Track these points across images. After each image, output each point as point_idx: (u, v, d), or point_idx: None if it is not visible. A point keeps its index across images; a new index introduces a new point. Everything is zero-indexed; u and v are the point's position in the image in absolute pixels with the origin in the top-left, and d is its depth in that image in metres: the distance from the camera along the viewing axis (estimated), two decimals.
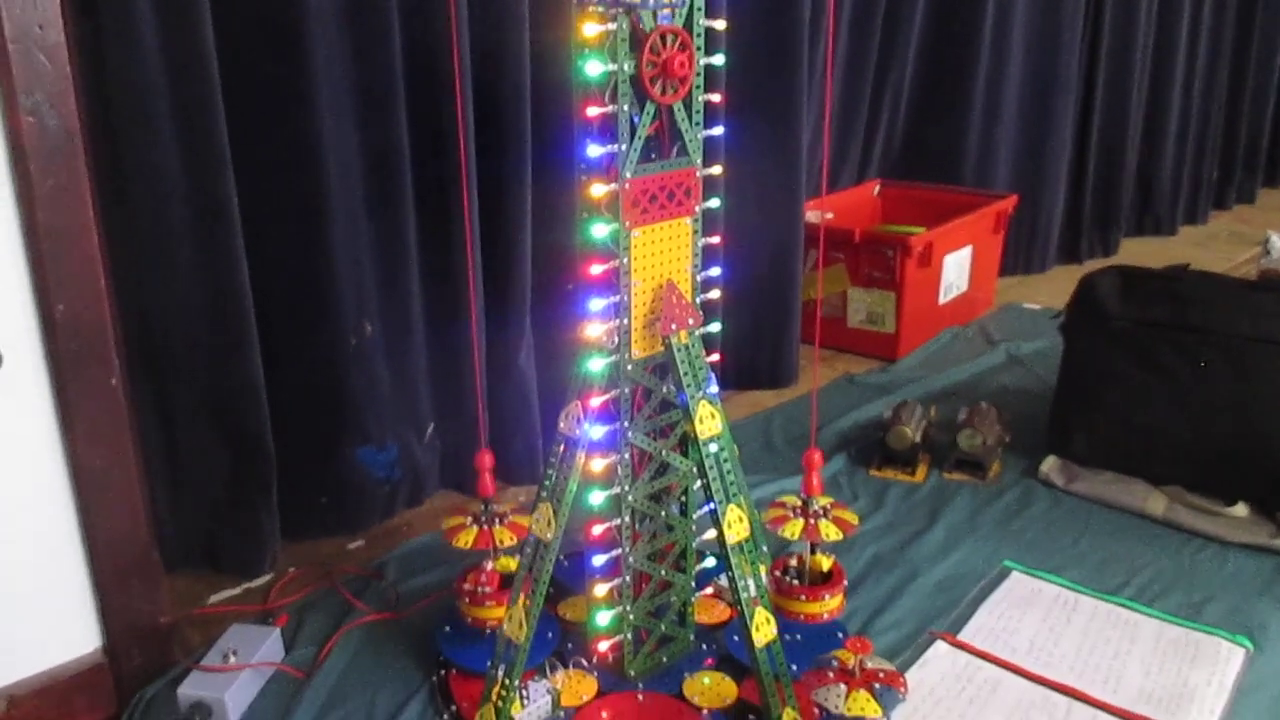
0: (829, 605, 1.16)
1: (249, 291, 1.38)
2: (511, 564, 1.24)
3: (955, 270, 2.40)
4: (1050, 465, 1.73)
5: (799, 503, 1.17)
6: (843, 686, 1.03)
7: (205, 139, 1.30)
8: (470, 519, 1.22)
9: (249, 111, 1.36)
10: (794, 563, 1.19)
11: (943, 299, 2.39)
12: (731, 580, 1.09)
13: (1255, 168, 3.91)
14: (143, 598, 1.22)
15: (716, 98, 1.09)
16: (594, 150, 1.02)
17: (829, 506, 1.17)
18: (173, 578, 1.42)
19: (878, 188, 2.70)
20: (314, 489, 1.56)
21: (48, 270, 1.08)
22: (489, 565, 1.22)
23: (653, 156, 1.06)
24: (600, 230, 1.04)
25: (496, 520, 1.21)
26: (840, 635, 1.28)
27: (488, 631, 1.20)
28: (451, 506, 1.68)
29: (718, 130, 1.11)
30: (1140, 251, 3.24)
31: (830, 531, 1.14)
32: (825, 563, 1.19)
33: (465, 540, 1.19)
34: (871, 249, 2.25)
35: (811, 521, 1.14)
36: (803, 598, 1.15)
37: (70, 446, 1.15)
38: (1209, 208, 3.68)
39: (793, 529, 1.14)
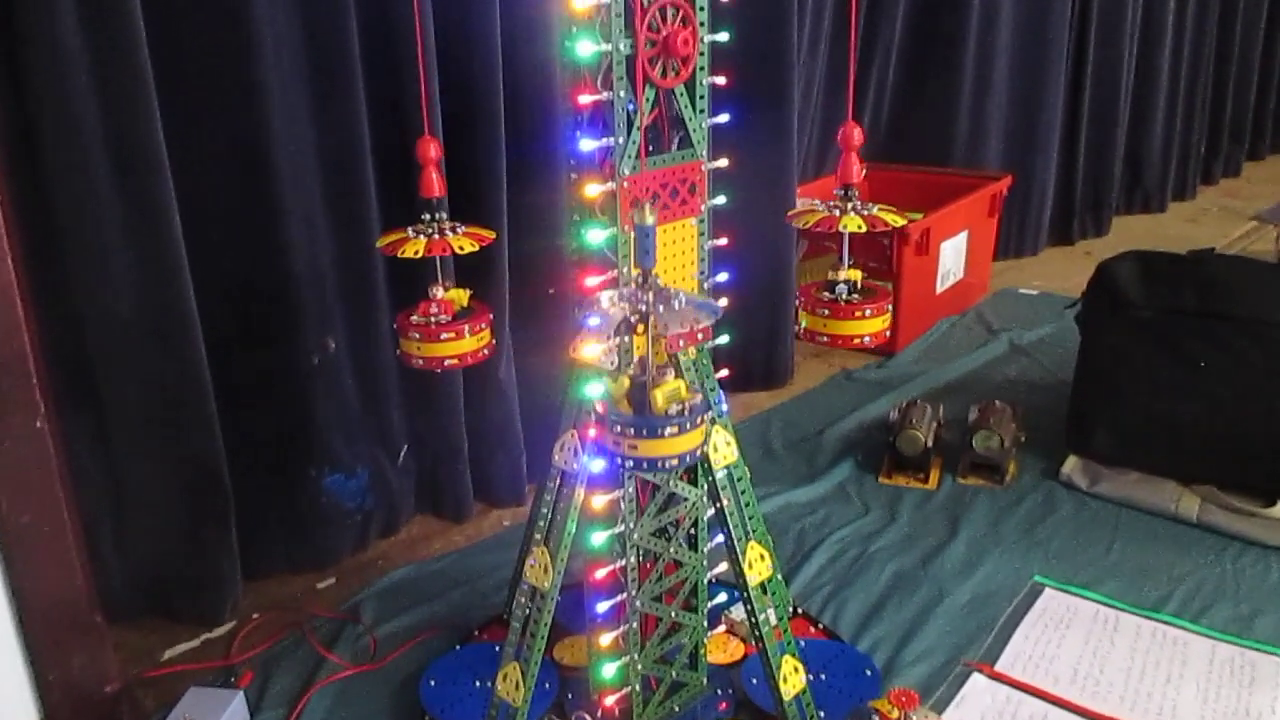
0: (873, 326, 1.06)
1: (194, 307, 1.23)
2: (463, 297, 1.03)
3: (952, 256, 2.28)
4: (1072, 466, 1.61)
5: (837, 198, 1.05)
6: None
7: (135, 134, 1.15)
8: (411, 230, 1.00)
9: (185, 101, 1.21)
10: (838, 276, 1.09)
11: (940, 287, 2.28)
12: (753, 620, 0.97)
13: (1241, 138, 3.83)
14: (84, 665, 1.08)
15: (722, 80, 0.96)
16: (586, 144, 0.89)
17: (870, 204, 1.04)
18: (122, 630, 1.27)
19: (864, 171, 2.57)
20: (277, 523, 1.42)
21: None
22: (438, 293, 1.01)
23: (650, 149, 0.93)
24: (596, 235, 0.91)
25: (447, 231, 1.00)
26: (869, 672, 1.16)
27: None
28: (430, 533, 1.54)
29: (723, 118, 0.98)
30: (1132, 230, 3.15)
31: (891, 218, 1.03)
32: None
33: (413, 250, 0.98)
34: (866, 237, 2.11)
35: (864, 214, 1.03)
36: (867, 312, 1.05)
37: None
38: (1197, 182, 3.58)
39: (847, 223, 1.02)
